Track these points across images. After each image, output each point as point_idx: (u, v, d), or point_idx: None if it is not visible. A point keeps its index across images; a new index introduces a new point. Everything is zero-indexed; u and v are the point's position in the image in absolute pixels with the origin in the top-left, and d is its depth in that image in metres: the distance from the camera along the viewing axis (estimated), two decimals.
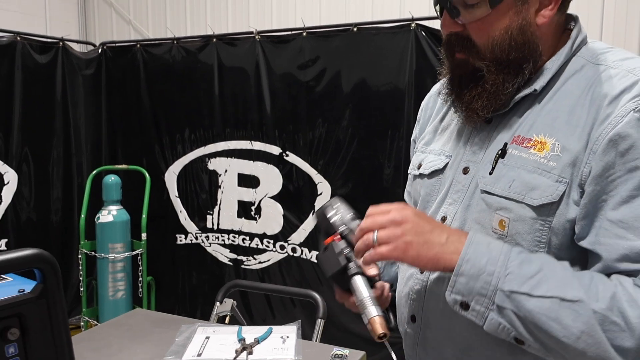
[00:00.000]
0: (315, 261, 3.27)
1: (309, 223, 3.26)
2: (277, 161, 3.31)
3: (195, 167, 3.58)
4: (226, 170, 3.48)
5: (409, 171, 1.12)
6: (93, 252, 3.38)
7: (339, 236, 0.92)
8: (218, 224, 3.54)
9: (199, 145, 3.55)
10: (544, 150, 0.84)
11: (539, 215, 0.83)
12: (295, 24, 3.31)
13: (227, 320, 1.98)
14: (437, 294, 0.93)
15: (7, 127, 3.40)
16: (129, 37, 4.17)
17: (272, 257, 3.40)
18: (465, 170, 0.95)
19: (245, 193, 3.43)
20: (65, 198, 3.71)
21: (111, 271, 3.34)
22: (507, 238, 0.85)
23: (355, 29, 2.99)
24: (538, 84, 0.88)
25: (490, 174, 0.89)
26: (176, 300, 3.73)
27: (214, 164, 3.52)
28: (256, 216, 3.41)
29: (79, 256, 3.42)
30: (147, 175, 3.55)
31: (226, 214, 3.51)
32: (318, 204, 3.21)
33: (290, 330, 1.68)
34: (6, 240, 3.40)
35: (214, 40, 3.42)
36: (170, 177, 3.67)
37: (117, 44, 3.83)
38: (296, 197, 3.29)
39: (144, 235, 3.42)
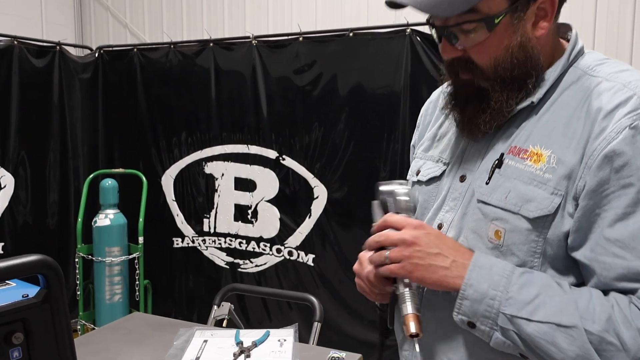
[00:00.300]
0: (312, 264, 3.29)
1: (306, 226, 3.28)
2: (273, 165, 3.33)
3: (192, 170, 3.60)
4: (223, 174, 3.49)
5: (408, 177, 1.14)
6: (90, 256, 3.39)
7: None
8: (215, 228, 3.55)
9: (195, 149, 3.56)
10: (540, 162, 0.85)
11: (534, 227, 0.84)
12: (292, 29, 3.33)
13: (224, 324, 1.99)
14: (433, 303, 0.95)
15: (4, 131, 3.40)
16: (125, 41, 4.18)
17: (268, 260, 3.42)
18: (462, 178, 0.96)
19: (242, 197, 3.44)
20: (62, 202, 3.70)
21: (108, 275, 3.35)
22: (503, 248, 0.87)
23: (351, 34, 3.01)
24: (535, 96, 0.89)
25: (487, 183, 0.90)
26: (173, 304, 3.74)
27: (210, 168, 3.53)
28: (253, 220, 3.43)
29: (76, 260, 3.42)
30: (144, 178, 3.56)
31: (223, 218, 3.52)
32: (314, 208, 3.23)
33: (287, 334, 1.69)
34: (2, 244, 3.40)
35: (211, 44, 3.44)
36: (167, 181, 3.68)
37: (114, 48, 3.84)
38: (292, 201, 3.30)
39: (140, 239, 3.43)
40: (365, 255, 0.99)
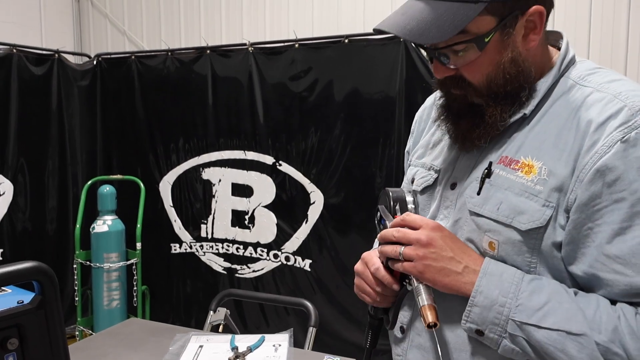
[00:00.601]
0: (309, 269, 3.31)
1: (302, 232, 3.30)
2: (270, 171, 3.35)
3: (190, 176, 3.62)
4: (220, 180, 3.51)
5: (404, 185, 1.14)
6: (88, 262, 3.40)
7: None
8: (212, 233, 3.57)
9: (193, 155, 3.59)
10: (531, 174, 0.85)
11: (527, 239, 0.85)
12: (288, 36, 3.36)
13: (220, 329, 2.01)
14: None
15: (3, 138, 3.43)
16: (123, 48, 4.21)
17: (265, 265, 3.44)
18: (453, 186, 0.97)
19: (239, 202, 3.46)
20: (60, 208, 3.73)
21: (106, 281, 3.36)
22: (497, 259, 0.88)
23: (346, 41, 3.04)
24: (527, 108, 0.89)
25: (478, 194, 0.90)
26: (171, 309, 3.76)
27: (208, 174, 3.56)
28: (250, 225, 3.45)
29: (74, 266, 3.44)
30: (141, 185, 3.58)
31: (220, 223, 3.54)
32: (311, 213, 3.25)
33: (282, 339, 1.71)
34: (1, 250, 3.42)
35: (208, 51, 3.47)
36: (165, 187, 3.70)
37: (112, 56, 3.87)
38: (289, 206, 3.32)
39: (138, 245, 3.45)
40: (370, 254, 1.00)
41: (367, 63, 3.01)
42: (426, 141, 1.11)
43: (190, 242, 3.66)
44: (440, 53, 0.88)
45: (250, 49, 3.33)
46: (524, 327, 0.81)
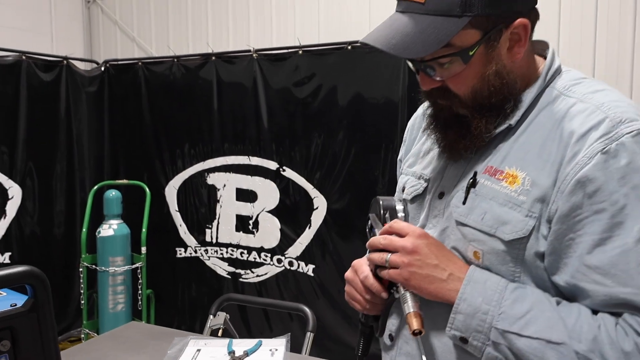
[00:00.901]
0: (312, 274, 3.32)
1: (306, 237, 3.32)
2: (274, 176, 3.38)
3: (195, 181, 3.65)
4: (225, 185, 3.54)
5: (396, 194, 1.15)
6: (94, 266, 3.44)
7: None
8: (217, 238, 3.60)
9: (198, 160, 3.63)
10: (515, 184, 0.86)
11: (510, 249, 0.85)
12: (295, 43, 3.39)
13: (220, 333, 2.02)
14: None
15: (12, 142, 3.48)
16: (133, 54, 4.26)
17: (269, 270, 3.45)
18: (441, 195, 0.98)
19: (243, 207, 3.49)
20: (68, 212, 3.78)
21: (111, 284, 3.40)
22: (482, 268, 0.89)
23: (349, 47, 3.06)
24: (513, 119, 0.89)
25: (464, 203, 0.91)
26: (176, 313, 3.79)
27: (212, 179, 3.59)
28: (254, 230, 3.47)
29: (80, 269, 3.48)
30: (147, 189, 3.62)
31: (225, 228, 3.57)
32: (314, 219, 3.27)
33: (279, 344, 1.72)
34: (10, 253, 3.47)
35: (213, 58, 3.51)
36: (171, 192, 3.74)
37: (120, 62, 3.92)
38: (293, 212, 3.35)
39: (143, 249, 3.49)
40: (360, 262, 1.01)
41: (370, 69, 3.03)
42: (417, 150, 1.12)
43: (195, 247, 3.69)
44: (426, 65, 0.88)
45: (254, 55, 3.36)
46: (506, 335, 0.82)
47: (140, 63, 3.79)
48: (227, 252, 3.58)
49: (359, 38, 3.17)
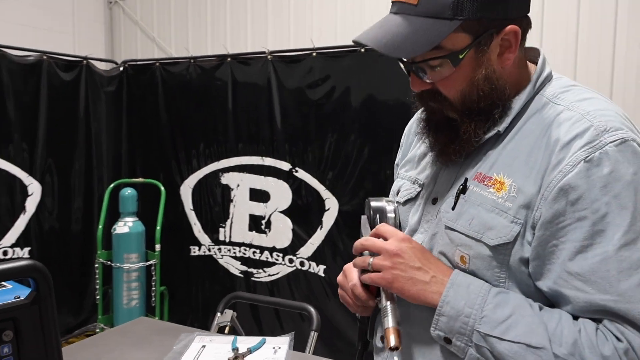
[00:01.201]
0: (323, 275, 3.34)
1: (317, 237, 3.34)
2: (286, 177, 3.41)
3: (209, 181, 3.70)
4: (238, 185, 3.58)
5: (390, 197, 1.16)
6: (109, 262, 3.51)
7: None
8: (230, 237, 3.64)
9: (212, 160, 3.67)
10: (502, 191, 0.87)
11: (495, 254, 0.87)
12: (311, 45, 3.41)
13: (226, 331, 2.06)
14: (410, 318, 0.97)
15: (32, 140, 3.57)
16: (152, 55, 4.33)
17: (281, 270, 3.48)
18: (434, 201, 0.99)
19: (256, 207, 3.53)
20: (86, 209, 3.86)
21: (126, 280, 3.47)
22: (468, 273, 0.90)
23: (362, 50, 3.07)
24: (501, 126, 0.90)
25: (453, 209, 0.92)
26: (190, 311, 3.84)
27: (227, 179, 3.63)
28: (266, 230, 3.50)
29: (96, 265, 3.55)
30: (162, 188, 3.68)
31: (238, 227, 3.61)
32: (325, 220, 3.29)
33: (283, 342, 1.74)
34: (29, 248, 3.55)
35: (229, 59, 3.55)
36: (186, 191, 3.79)
37: (138, 62, 3.99)
38: (305, 212, 3.37)
39: (157, 247, 3.54)
40: (350, 267, 1.03)
41: (383, 71, 3.03)
42: (413, 155, 1.13)
43: (209, 245, 3.73)
44: (417, 67, 0.90)
45: (269, 57, 3.39)
46: (488, 339, 0.83)
47: (157, 63, 3.85)
48: (240, 251, 3.62)
49: None
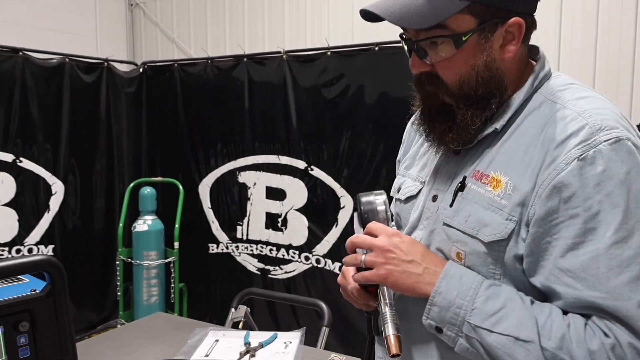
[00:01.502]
0: (339, 272, 3.36)
1: (333, 235, 3.37)
2: (302, 175, 3.44)
3: (227, 179, 3.76)
4: (255, 183, 3.63)
5: (391, 193, 1.17)
6: (130, 259, 3.59)
7: None
8: (247, 235, 3.70)
9: (230, 159, 3.73)
10: (498, 188, 0.88)
11: (490, 251, 0.88)
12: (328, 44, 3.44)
13: (240, 326, 2.10)
14: (407, 313, 0.99)
15: (55, 141, 3.67)
16: (172, 56, 4.41)
17: (297, 267, 3.52)
18: (434, 198, 1.00)
19: (273, 205, 3.57)
20: (107, 208, 3.95)
21: (145, 277, 3.54)
22: None
23: (376, 48, 3.09)
24: (499, 123, 0.91)
25: (451, 206, 0.94)
26: (208, 308, 3.90)
27: (244, 177, 3.68)
28: (283, 228, 3.54)
29: (117, 262, 3.63)
30: (180, 187, 3.75)
31: (255, 225, 3.66)
32: (341, 217, 3.32)
33: (294, 337, 1.78)
34: (53, 246, 3.65)
35: (245, 59, 3.60)
36: (204, 189, 3.85)
37: (157, 63, 4.07)
38: (320, 210, 3.40)
39: (176, 244, 3.61)
40: (348, 269, 1.05)
41: (396, 70, 3.04)
42: (414, 152, 1.15)
43: (226, 243, 3.79)
44: (419, 46, 0.90)
45: (284, 56, 3.43)
46: (478, 330, 0.84)
47: (176, 64, 3.92)
48: (257, 249, 3.67)
49: (389, 39, 3.16)
